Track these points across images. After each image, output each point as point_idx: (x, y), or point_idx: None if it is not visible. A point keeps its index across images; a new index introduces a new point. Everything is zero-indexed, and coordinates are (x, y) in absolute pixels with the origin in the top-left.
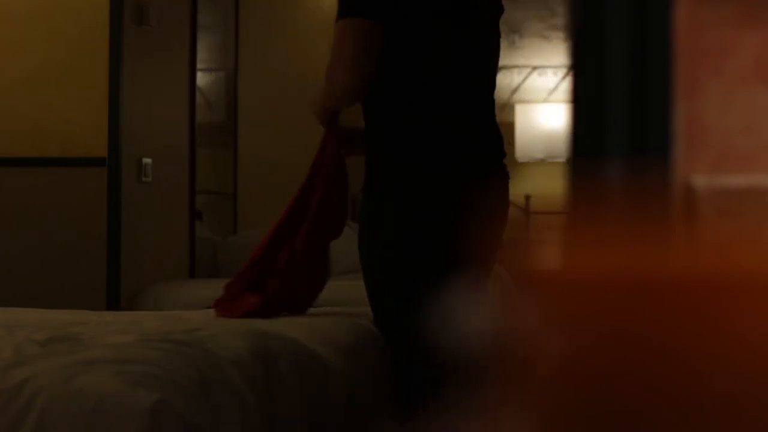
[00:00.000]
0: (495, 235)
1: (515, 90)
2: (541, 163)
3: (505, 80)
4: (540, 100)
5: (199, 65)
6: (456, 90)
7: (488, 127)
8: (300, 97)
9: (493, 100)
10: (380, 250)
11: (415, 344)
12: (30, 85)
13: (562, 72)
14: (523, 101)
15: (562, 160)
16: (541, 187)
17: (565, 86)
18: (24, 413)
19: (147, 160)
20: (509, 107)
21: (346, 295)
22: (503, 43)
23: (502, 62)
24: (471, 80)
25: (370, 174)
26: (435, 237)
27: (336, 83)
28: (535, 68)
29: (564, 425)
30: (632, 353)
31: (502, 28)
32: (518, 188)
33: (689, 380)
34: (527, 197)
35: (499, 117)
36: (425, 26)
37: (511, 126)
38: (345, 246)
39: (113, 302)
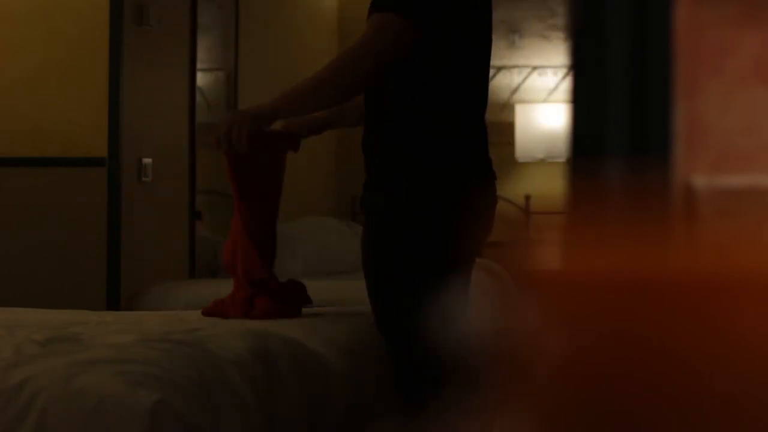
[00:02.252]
0: (487, 232)
1: (515, 90)
2: (541, 163)
3: (505, 80)
4: (540, 100)
5: (199, 65)
6: (456, 90)
7: (484, 127)
8: None
9: (487, 101)
10: (380, 250)
11: (415, 344)
12: (30, 85)
13: (562, 72)
14: (523, 101)
15: (562, 160)
16: (541, 187)
17: (565, 86)
18: (24, 413)
19: (147, 160)
20: (509, 107)
21: (346, 295)
22: (503, 43)
23: (501, 62)
24: (471, 80)
25: (371, 173)
26: (435, 237)
27: (356, 65)
28: (535, 68)
29: (564, 425)
30: (632, 353)
31: (502, 27)
32: (518, 188)
33: (689, 380)
34: (527, 197)
35: (499, 117)
36: (426, 26)
37: (511, 126)
38: (345, 245)
39: (113, 302)
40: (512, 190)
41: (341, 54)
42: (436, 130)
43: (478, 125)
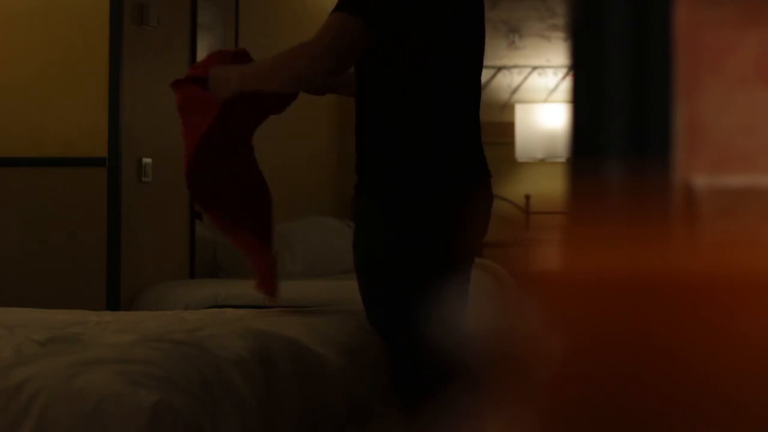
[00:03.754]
0: (484, 231)
1: (515, 90)
2: (541, 163)
3: (505, 80)
4: (540, 100)
5: None
6: (455, 92)
7: (477, 125)
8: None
9: (479, 99)
10: (377, 251)
11: (414, 344)
12: (30, 85)
13: (562, 72)
14: (523, 101)
15: (562, 160)
16: (541, 187)
17: (565, 86)
18: (24, 413)
19: (147, 160)
20: (509, 107)
21: (346, 295)
22: (503, 43)
23: (501, 62)
24: (471, 82)
25: (363, 174)
26: (432, 237)
27: (306, 66)
28: (535, 68)
29: (564, 425)
30: (632, 353)
31: (502, 27)
32: (518, 188)
33: (689, 380)
34: (527, 197)
35: (499, 117)
36: (381, 27)
37: (511, 126)
38: (345, 245)
39: (113, 302)
40: (512, 190)
41: (295, 47)
42: (427, 130)
43: (470, 124)
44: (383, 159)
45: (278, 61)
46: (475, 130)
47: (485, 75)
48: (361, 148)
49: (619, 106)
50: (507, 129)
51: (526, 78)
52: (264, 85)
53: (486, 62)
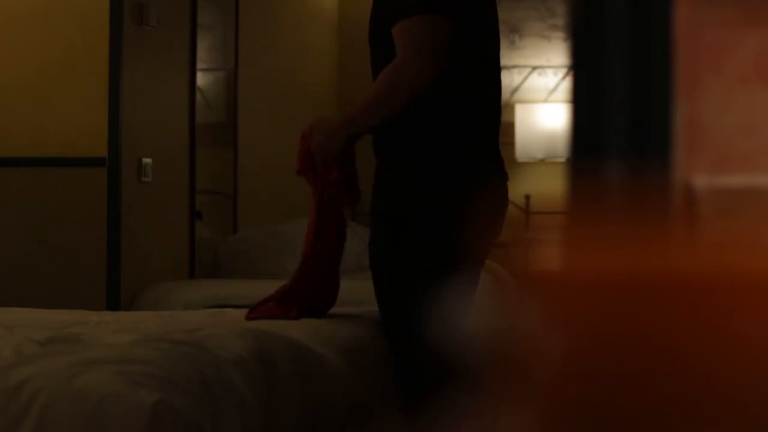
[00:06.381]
0: (495, 234)
1: (515, 90)
2: (541, 163)
3: (505, 80)
4: (540, 100)
5: (199, 65)
6: (467, 89)
7: (497, 127)
8: (300, 96)
9: (500, 100)
10: (387, 250)
11: (416, 344)
12: (30, 85)
13: (562, 72)
14: (523, 101)
15: (562, 160)
16: (541, 187)
17: (565, 86)
18: (24, 413)
19: (147, 160)
20: (509, 107)
21: (346, 295)
22: (503, 43)
23: (502, 62)
24: (483, 79)
25: (380, 173)
26: (442, 238)
27: (413, 77)
28: (535, 68)
29: (564, 425)
30: (632, 353)
31: (502, 27)
32: (518, 188)
33: (689, 380)
34: (527, 197)
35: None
36: (455, 18)
37: (511, 126)
38: (345, 245)
39: (113, 302)
40: (512, 190)
41: (390, 69)
42: (446, 131)
43: (489, 124)
44: (404, 161)
45: (382, 88)
46: (481, 130)
47: None
48: (382, 150)
49: (619, 106)
50: (507, 129)
51: (526, 78)
52: (377, 116)
53: None
